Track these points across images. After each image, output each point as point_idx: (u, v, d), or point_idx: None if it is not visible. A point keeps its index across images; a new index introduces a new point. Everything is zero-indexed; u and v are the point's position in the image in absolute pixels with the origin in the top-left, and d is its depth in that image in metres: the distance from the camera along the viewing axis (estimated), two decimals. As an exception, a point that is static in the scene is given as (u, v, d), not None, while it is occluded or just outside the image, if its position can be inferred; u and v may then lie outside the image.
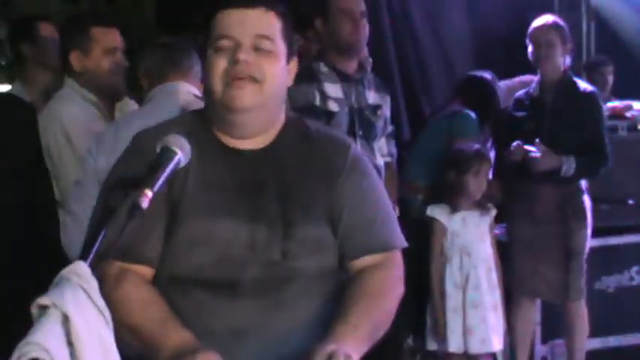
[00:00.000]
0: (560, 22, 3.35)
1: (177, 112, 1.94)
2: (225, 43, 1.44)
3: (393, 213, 1.59)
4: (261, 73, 1.43)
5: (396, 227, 1.56)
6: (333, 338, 1.33)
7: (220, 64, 1.43)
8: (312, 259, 1.45)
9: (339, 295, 1.47)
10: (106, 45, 2.42)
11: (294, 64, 1.53)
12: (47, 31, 3.08)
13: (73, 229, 2.04)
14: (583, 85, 3.35)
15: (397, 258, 1.55)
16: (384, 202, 1.57)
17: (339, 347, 1.29)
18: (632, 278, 3.72)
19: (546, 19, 3.33)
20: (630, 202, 3.52)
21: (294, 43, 1.52)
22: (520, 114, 3.36)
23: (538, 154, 3.17)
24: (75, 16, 2.85)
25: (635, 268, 3.72)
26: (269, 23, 1.46)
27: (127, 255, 1.40)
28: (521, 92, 3.45)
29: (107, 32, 2.44)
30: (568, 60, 3.33)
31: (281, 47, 1.47)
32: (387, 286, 1.50)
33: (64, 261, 1.97)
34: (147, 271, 1.44)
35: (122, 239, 1.20)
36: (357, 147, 1.58)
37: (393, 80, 4.02)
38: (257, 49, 1.44)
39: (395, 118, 3.38)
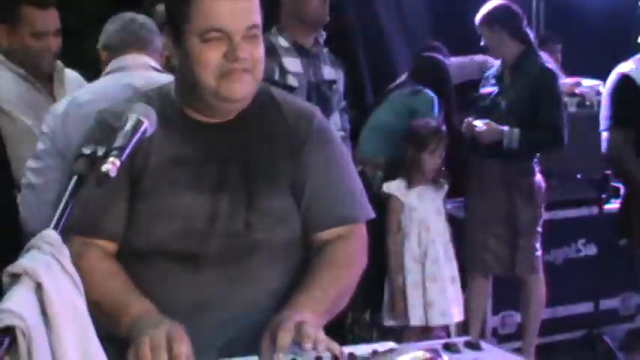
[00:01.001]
0: (499, 6, 3.32)
1: (135, 86, 1.90)
2: (215, 35, 1.38)
3: (358, 184, 1.56)
4: (253, 62, 1.42)
5: (360, 199, 1.54)
6: (294, 310, 1.34)
7: (212, 57, 1.39)
8: (276, 230, 1.45)
9: (303, 266, 1.47)
10: (36, 28, 2.32)
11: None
12: None
13: (34, 202, 1.98)
14: (541, 63, 3.37)
15: (361, 230, 1.55)
16: (349, 173, 1.55)
17: (305, 319, 1.30)
18: (579, 250, 3.86)
19: (482, 11, 3.33)
20: (578, 176, 3.63)
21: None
22: (485, 91, 3.43)
23: (483, 128, 3.23)
24: None
25: (581, 241, 3.85)
26: (256, 9, 1.43)
27: (89, 230, 1.40)
28: (491, 70, 3.49)
29: (39, 14, 2.32)
30: (531, 35, 3.35)
31: (261, 27, 1.44)
32: (349, 259, 1.50)
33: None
34: (109, 245, 1.44)
35: (85, 215, 1.19)
36: (322, 116, 1.56)
37: (357, 48, 4.02)
38: (246, 37, 1.40)
39: (358, 86, 3.37)
